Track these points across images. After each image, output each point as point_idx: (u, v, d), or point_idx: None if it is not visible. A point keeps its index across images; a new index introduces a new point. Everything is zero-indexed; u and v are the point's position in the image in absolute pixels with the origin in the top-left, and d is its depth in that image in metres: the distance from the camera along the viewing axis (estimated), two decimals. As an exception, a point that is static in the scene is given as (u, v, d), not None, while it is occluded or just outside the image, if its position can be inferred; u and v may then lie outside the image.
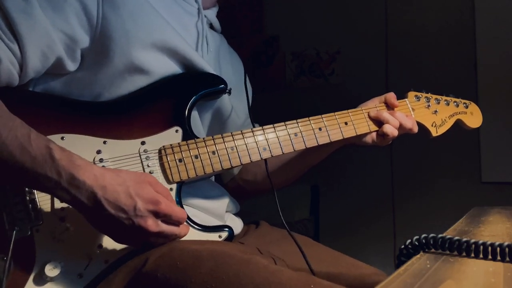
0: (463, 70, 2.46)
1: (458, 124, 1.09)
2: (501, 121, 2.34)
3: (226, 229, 0.85)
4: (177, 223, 0.74)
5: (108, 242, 0.75)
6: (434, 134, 1.04)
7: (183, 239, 0.78)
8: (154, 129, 0.81)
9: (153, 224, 0.71)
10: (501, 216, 0.89)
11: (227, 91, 0.89)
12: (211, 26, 1.03)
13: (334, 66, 2.85)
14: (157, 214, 0.71)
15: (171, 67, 0.85)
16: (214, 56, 0.98)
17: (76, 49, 0.78)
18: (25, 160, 0.66)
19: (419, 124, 1.02)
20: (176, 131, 0.82)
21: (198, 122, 0.90)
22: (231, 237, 0.85)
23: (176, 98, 0.84)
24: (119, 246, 0.76)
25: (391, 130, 0.95)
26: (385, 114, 0.96)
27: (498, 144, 2.36)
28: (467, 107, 1.10)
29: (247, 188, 1.08)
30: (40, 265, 0.72)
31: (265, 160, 0.92)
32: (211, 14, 1.02)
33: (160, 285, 0.70)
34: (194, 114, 0.87)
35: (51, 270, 0.71)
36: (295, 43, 2.96)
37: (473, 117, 1.10)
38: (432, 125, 1.03)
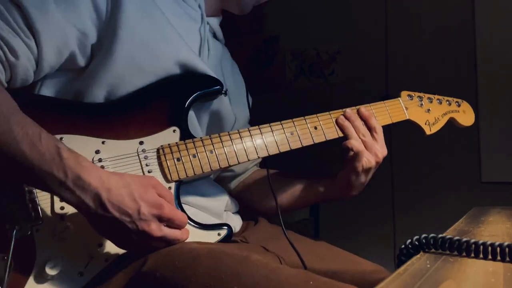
0: (463, 70, 2.46)
1: (451, 123, 1.10)
2: (501, 121, 2.34)
3: (225, 227, 0.85)
4: (178, 227, 0.74)
5: (108, 241, 0.75)
6: (428, 132, 1.05)
7: None
8: (152, 129, 0.81)
9: (156, 229, 0.70)
10: (501, 216, 0.90)
11: (223, 92, 0.90)
12: (214, 36, 1.03)
13: (334, 66, 2.86)
14: (160, 218, 0.71)
15: (171, 69, 0.85)
16: (215, 64, 0.98)
17: (87, 44, 0.79)
18: (34, 157, 0.66)
19: (413, 123, 1.04)
20: (174, 131, 0.82)
21: (195, 123, 0.90)
22: (229, 235, 0.85)
23: (173, 99, 0.84)
24: None
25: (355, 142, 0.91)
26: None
27: (498, 144, 2.36)
28: (459, 105, 1.11)
29: (241, 205, 1.07)
30: (41, 264, 0.72)
31: (268, 169, 0.95)
32: (215, 22, 1.01)
33: (159, 285, 0.69)
34: (191, 114, 0.88)
35: (51, 269, 0.71)
36: (295, 43, 2.96)
37: (466, 115, 1.11)
38: (425, 124, 1.05)
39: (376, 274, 0.90)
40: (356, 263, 0.93)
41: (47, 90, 0.81)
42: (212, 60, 0.97)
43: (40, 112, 0.77)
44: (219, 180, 1.06)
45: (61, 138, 0.75)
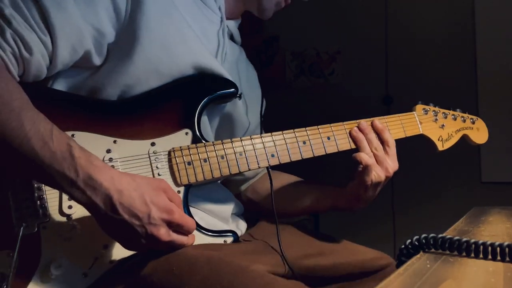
0: (463, 71, 2.46)
1: (464, 139, 1.09)
2: (501, 121, 2.33)
3: (230, 234, 0.85)
4: (187, 233, 0.74)
5: (114, 243, 0.75)
6: (440, 148, 1.03)
7: None
8: (164, 130, 0.81)
9: (165, 234, 0.70)
10: (501, 216, 0.90)
11: (237, 95, 0.88)
12: (232, 38, 1.02)
13: (334, 66, 2.86)
14: (170, 224, 0.71)
15: (188, 71, 0.84)
16: (231, 67, 0.98)
17: (103, 43, 0.78)
18: (45, 155, 0.65)
19: (425, 137, 1.02)
20: (186, 133, 0.81)
21: (207, 126, 0.89)
22: (236, 241, 0.86)
23: (187, 100, 0.83)
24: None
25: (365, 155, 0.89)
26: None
27: (498, 144, 2.36)
28: (473, 122, 1.10)
29: (250, 207, 1.07)
30: (46, 263, 0.72)
31: (270, 178, 0.92)
32: (233, 25, 1.01)
33: None
34: (204, 117, 0.86)
35: (56, 268, 0.71)
36: (295, 43, 2.96)
37: (479, 133, 1.10)
38: (438, 139, 1.03)
39: (376, 261, 0.92)
40: (356, 252, 0.94)
41: (60, 86, 0.80)
42: (228, 63, 0.96)
43: (52, 107, 0.76)
44: (228, 182, 1.06)
45: (72, 135, 0.75)
